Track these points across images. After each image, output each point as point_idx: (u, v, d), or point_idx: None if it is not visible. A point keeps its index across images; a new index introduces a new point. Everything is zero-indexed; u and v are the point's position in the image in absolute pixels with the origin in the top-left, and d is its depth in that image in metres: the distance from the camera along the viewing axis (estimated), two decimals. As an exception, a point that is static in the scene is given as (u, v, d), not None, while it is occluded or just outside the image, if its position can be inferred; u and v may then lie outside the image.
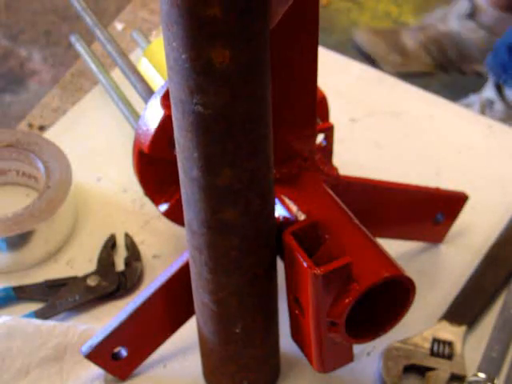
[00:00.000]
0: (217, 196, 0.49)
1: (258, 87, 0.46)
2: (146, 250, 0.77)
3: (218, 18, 0.41)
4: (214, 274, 0.54)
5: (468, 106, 1.69)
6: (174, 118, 0.48)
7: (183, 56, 0.43)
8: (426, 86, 0.98)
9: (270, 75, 0.47)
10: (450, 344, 0.69)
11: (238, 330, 0.58)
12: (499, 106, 1.67)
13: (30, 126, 0.89)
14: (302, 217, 0.57)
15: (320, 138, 0.63)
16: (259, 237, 0.53)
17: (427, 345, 0.69)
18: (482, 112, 1.66)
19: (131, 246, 0.76)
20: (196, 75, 0.44)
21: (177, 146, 0.49)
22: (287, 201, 0.59)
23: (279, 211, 0.59)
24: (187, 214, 0.53)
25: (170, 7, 0.42)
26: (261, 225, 0.52)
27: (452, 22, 1.85)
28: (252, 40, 0.43)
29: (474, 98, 1.73)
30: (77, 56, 0.93)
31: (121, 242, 0.77)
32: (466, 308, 0.72)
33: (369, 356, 0.70)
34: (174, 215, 0.71)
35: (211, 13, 0.41)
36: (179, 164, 0.50)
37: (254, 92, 0.46)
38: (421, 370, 0.68)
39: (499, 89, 1.67)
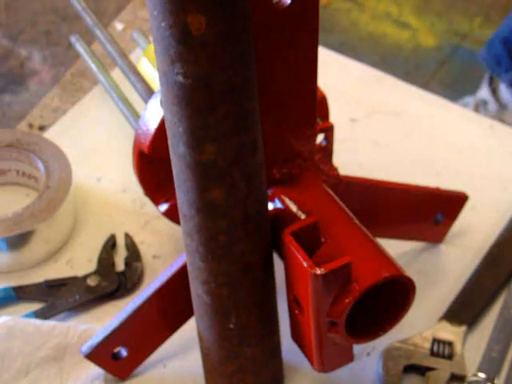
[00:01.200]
0: (202, 173, 0.50)
1: (237, 57, 0.46)
2: (145, 250, 0.77)
3: None
4: (206, 262, 0.54)
5: (463, 106, 1.69)
6: (161, 95, 0.49)
7: (163, 24, 0.45)
8: (426, 86, 0.98)
9: (252, 48, 0.47)
10: (450, 344, 0.69)
11: (232, 326, 0.58)
12: (493, 106, 1.67)
13: (30, 126, 0.89)
14: (302, 217, 0.57)
15: (320, 138, 0.63)
16: (248, 222, 0.53)
17: (427, 345, 0.69)
18: (476, 112, 1.67)
19: (131, 246, 0.76)
20: (175, 43, 0.45)
21: (166, 124, 0.50)
22: (287, 201, 0.59)
23: (279, 211, 0.59)
24: (178, 198, 0.53)
25: None
26: (249, 210, 0.53)
27: None
28: (229, 7, 0.44)
29: (468, 99, 1.73)
30: (77, 56, 0.92)
31: (121, 241, 0.77)
32: (465, 308, 0.72)
33: (369, 356, 0.70)
34: (174, 215, 0.71)
35: None
36: (169, 144, 0.51)
37: (233, 62, 0.46)
38: (421, 370, 0.68)
39: (493, 89, 1.68)
